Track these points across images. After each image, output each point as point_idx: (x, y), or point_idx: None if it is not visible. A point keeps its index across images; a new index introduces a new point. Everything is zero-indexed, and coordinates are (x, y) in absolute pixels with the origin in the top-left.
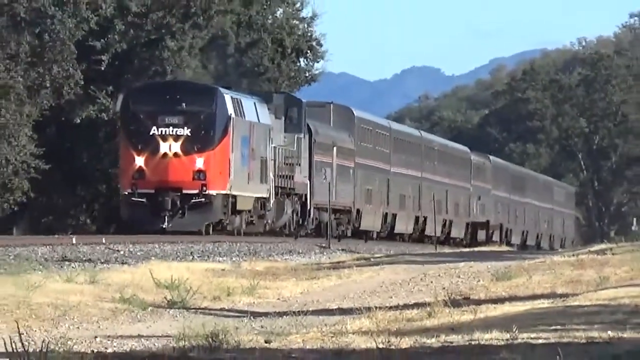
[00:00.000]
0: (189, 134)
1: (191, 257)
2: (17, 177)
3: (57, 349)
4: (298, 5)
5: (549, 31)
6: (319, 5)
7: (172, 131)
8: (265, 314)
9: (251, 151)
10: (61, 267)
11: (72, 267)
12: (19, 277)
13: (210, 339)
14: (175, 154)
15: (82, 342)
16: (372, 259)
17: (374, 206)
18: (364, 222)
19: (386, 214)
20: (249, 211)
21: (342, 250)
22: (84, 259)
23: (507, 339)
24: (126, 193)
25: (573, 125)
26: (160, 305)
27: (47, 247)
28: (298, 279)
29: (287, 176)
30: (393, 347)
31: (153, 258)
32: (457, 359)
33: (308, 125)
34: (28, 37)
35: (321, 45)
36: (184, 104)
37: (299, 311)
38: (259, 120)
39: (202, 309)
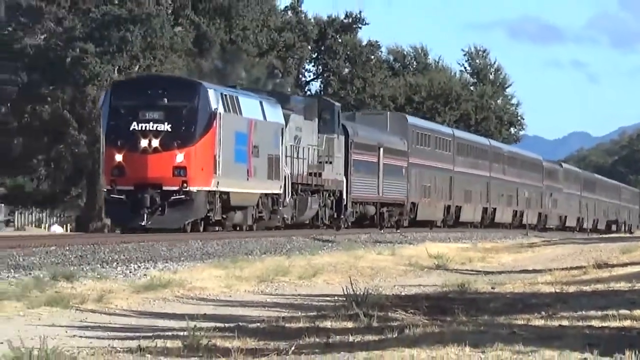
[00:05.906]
0: (170, 130)
1: (449, 240)
2: None
3: (372, 292)
4: (509, 97)
5: None
6: (522, 96)
7: (153, 127)
8: (491, 272)
9: (252, 148)
10: (374, 245)
11: (381, 246)
12: (351, 251)
13: (460, 286)
14: (155, 150)
15: (386, 289)
16: (551, 241)
17: (432, 200)
18: (421, 213)
19: (449, 206)
20: (256, 207)
21: (535, 236)
22: (387, 241)
23: (629, 287)
24: (105, 190)
25: None
26: (431, 267)
27: (366, 234)
28: (510, 253)
29: (313, 173)
30: (564, 291)
31: (427, 241)
32: (601, 298)
33: (344, 127)
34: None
35: (523, 119)
36: (165, 99)
37: (510, 271)
38: (265, 119)
39: (455, 269)
